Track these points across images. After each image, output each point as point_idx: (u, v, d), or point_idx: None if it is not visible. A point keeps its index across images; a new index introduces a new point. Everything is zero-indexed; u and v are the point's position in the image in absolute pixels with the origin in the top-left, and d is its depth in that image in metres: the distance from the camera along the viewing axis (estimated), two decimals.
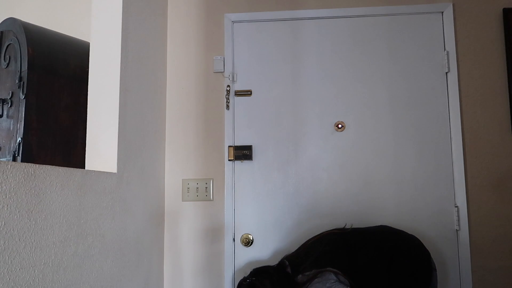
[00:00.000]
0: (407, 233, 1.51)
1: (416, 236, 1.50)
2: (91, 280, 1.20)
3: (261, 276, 1.43)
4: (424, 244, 1.47)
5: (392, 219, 1.77)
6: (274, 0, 1.95)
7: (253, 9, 1.95)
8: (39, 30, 1.80)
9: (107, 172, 1.35)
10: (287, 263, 1.47)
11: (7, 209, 0.86)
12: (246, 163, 1.86)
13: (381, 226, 1.59)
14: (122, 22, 1.47)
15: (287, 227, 1.81)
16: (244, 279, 1.45)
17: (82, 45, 1.90)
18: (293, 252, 1.55)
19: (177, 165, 1.90)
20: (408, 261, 1.37)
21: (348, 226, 1.56)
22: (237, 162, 1.87)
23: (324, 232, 1.56)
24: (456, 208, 1.75)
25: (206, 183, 1.87)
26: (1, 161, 0.86)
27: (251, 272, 1.47)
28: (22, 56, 1.69)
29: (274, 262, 1.80)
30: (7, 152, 1.71)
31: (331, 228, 1.60)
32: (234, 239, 1.83)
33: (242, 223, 1.84)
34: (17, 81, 1.69)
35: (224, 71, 1.92)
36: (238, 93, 1.91)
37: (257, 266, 1.53)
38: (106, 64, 1.46)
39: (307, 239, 1.80)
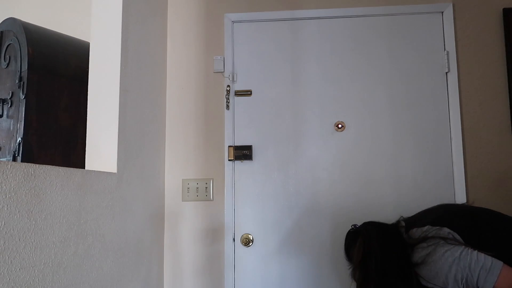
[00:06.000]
0: None
1: None
2: (91, 280, 1.20)
3: (369, 225, 1.35)
4: None
5: (392, 218, 1.77)
6: (274, 0, 1.95)
7: (253, 9, 1.95)
8: (39, 30, 1.80)
9: (107, 172, 1.35)
10: (403, 223, 1.36)
11: (7, 209, 0.86)
12: (246, 163, 1.86)
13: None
14: (122, 22, 1.47)
15: (287, 227, 1.81)
16: (353, 226, 1.40)
17: (82, 45, 1.90)
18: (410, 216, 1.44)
19: (177, 165, 1.90)
20: None
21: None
22: (237, 162, 1.87)
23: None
24: None
25: (206, 183, 1.87)
26: (1, 161, 0.86)
27: (363, 223, 1.40)
28: (22, 56, 1.69)
29: (273, 263, 1.80)
30: (7, 152, 1.71)
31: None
32: (234, 239, 1.83)
33: (242, 223, 1.84)
34: (17, 81, 1.69)
35: (224, 71, 1.92)
36: (238, 93, 1.91)
37: None
38: (106, 64, 1.45)
39: (308, 239, 1.80)
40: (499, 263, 1.08)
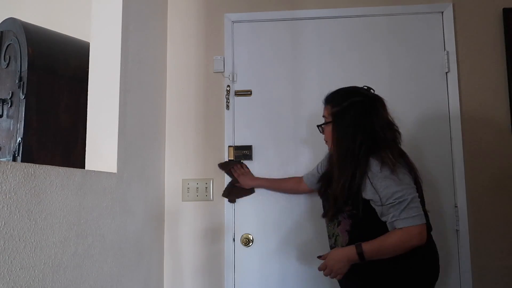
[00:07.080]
0: None
1: None
2: (91, 280, 1.20)
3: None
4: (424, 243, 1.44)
5: None
6: (274, 0, 1.95)
7: (253, 9, 1.95)
8: (39, 30, 1.80)
9: (107, 172, 1.35)
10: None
11: (7, 209, 0.86)
12: (246, 163, 1.86)
13: None
14: (122, 22, 1.47)
15: (287, 227, 1.81)
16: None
17: (82, 45, 1.90)
18: None
19: (177, 165, 1.90)
20: None
21: None
22: None
23: None
24: (456, 208, 1.75)
25: (206, 183, 1.87)
26: (1, 161, 0.86)
27: None
28: (22, 56, 1.69)
29: (273, 263, 1.80)
30: (7, 152, 1.71)
31: None
32: (234, 239, 1.83)
33: (242, 223, 1.83)
34: (17, 81, 1.69)
35: (224, 71, 1.92)
36: (238, 93, 1.91)
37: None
38: (106, 64, 1.45)
39: (308, 239, 1.80)
40: (422, 220, 1.18)
